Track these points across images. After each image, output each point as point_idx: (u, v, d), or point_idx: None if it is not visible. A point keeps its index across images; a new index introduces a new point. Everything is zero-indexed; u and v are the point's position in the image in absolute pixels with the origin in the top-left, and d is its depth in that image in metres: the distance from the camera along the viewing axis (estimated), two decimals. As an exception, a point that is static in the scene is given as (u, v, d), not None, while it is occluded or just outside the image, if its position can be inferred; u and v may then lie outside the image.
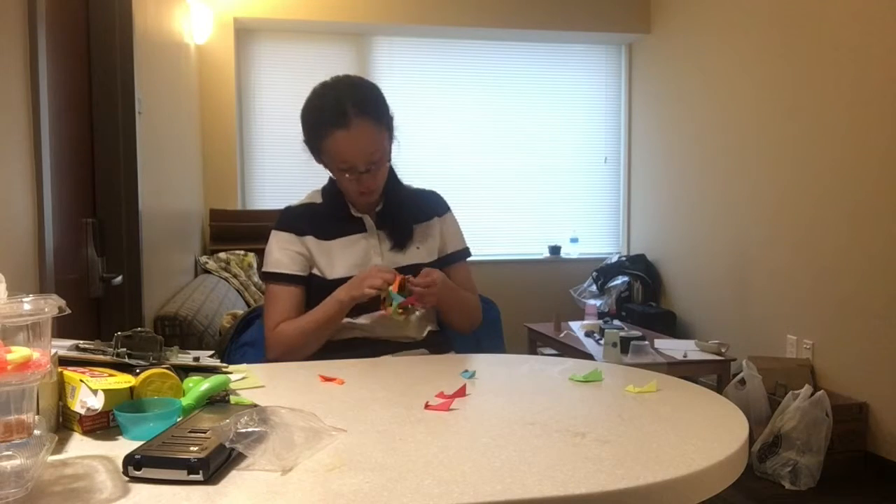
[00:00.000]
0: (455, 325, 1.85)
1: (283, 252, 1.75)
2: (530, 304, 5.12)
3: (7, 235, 1.67)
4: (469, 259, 1.92)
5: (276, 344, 1.72)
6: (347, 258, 1.75)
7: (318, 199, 1.84)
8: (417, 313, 1.75)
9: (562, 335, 4.08)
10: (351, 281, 1.67)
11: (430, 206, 1.88)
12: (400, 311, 1.62)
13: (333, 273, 1.74)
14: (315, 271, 1.76)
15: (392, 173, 1.81)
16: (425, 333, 1.79)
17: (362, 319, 1.73)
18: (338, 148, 1.66)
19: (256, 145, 5.15)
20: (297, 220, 1.79)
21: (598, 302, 4.95)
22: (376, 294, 1.62)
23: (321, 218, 1.79)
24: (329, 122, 1.65)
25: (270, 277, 1.76)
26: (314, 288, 1.75)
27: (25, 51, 1.77)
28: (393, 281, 1.61)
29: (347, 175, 1.69)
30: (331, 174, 1.78)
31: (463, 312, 1.83)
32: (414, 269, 1.70)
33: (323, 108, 1.68)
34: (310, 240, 1.76)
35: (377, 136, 1.68)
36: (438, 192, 1.93)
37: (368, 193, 1.74)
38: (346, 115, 1.64)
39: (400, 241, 1.79)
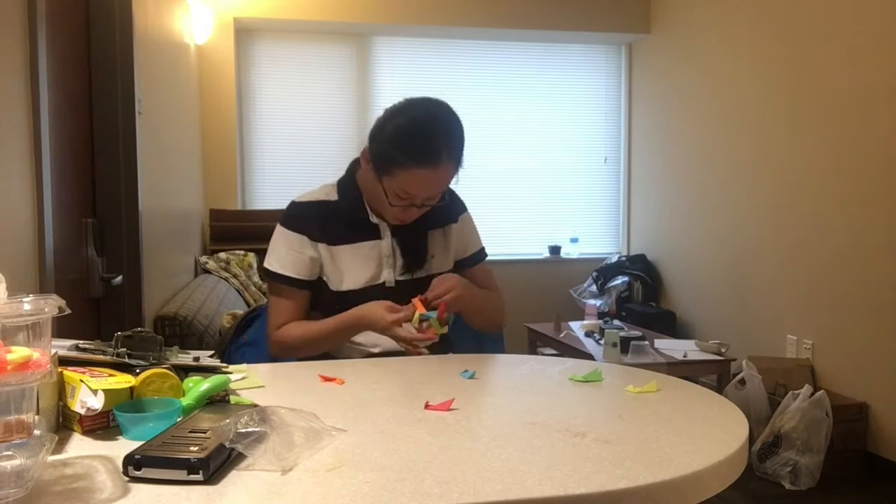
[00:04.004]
0: (478, 326, 1.80)
1: (291, 253, 1.68)
2: (530, 304, 5.11)
3: (7, 235, 1.67)
4: (487, 258, 1.86)
5: (277, 345, 1.70)
6: (358, 269, 1.69)
7: (333, 196, 1.73)
8: (452, 318, 1.66)
9: (562, 335, 4.08)
10: (375, 320, 1.59)
11: (445, 210, 1.78)
12: (442, 326, 1.58)
13: (342, 285, 1.69)
14: (324, 277, 1.71)
15: None
16: (429, 344, 1.77)
17: (367, 339, 1.71)
18: (412, 182, 1.58)
19: (256, 145, 5.15)
20: (308, 220, 1.70)
21: (598, 302, 4.95)
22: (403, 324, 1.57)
23: (333, 219, 1.70)
24: (417, 156, 1.56)
25: (276, 278, 1.69)
26: (323, 295, 1.71)
27: (25, 51, 1.77)
28: (410, 317, 1.56)
29: (399, 203, 1.62)
30: (369, 176, 1.67)
31: (485, 312, 1.78)
32: (428, 281, 1.66)
33: (418, 135, 1.58)
34: (321, 247, 1.69)
35: (450, 178, 1.64)
36: (454, 189, 1.82)
37: (404, 220, 1.68)
38: (437, 156, 1.57)
39: (415, 260, 1.72)
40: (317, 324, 1.69)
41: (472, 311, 1.72)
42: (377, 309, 1.60)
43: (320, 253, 1.69)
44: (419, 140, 1.57)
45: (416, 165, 1.57)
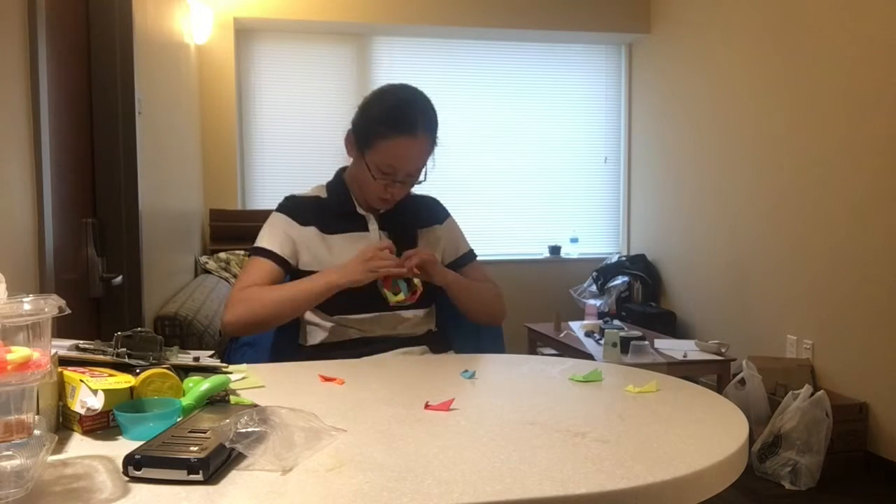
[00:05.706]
0: (474, 317, 1.84)
1: (279, 231, 1.76)
2: (530, 304, 5.11)
3: (7, 235, 1.67)
4: (478, 259, 1.93)
5: (240, 302, 1.65)
6: (349, 255, 1.73)
7: (323, 194, 1.85)
8: (417, 282, 1.67)
9: (562, 335, 4.08)
10: (347, 265, 1.64)
11: (430, 213, 1.90)
12: (410, 292, 1.62)
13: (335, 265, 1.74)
14: (304, 265, 1.75)
15: None
16: (424, 332, 1.79)
17: (359, 317, 1.73)
18: (394, 152, 1.69)
19: (256, 145, 5.15)
20: (302, 208, 1.80)
21: (598, 302, 4.94)
22: (377, 278, 1.62)
23: (325, 212, 1.80)
24: (399, 125, 1.68)
25: (258, 252, 1.75)
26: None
27: (25, 51, 1.77)
28: (396, 256, 1.62)
29: (382, 179, 1.71)
30: (354, 166, 1.79)
31: (479, 302, 1.82)
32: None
33: (397, 109, 1.71)
34: (312, 230, 1.77)
35: (428, 153, 1.74)
36: (436, 197, 1.95)
37: (389, 201, 1.76)
38: (416, 125, 1.69)
39: (405, 248, 1.76)
40: (287, 284, 1.73)
41: (459, 298, 1.77)
42: (368, 249, 1.64)
43: (309, 237, 1.76)
44: (398, 113, 1.70)
45: (396, 134, 1.68)
